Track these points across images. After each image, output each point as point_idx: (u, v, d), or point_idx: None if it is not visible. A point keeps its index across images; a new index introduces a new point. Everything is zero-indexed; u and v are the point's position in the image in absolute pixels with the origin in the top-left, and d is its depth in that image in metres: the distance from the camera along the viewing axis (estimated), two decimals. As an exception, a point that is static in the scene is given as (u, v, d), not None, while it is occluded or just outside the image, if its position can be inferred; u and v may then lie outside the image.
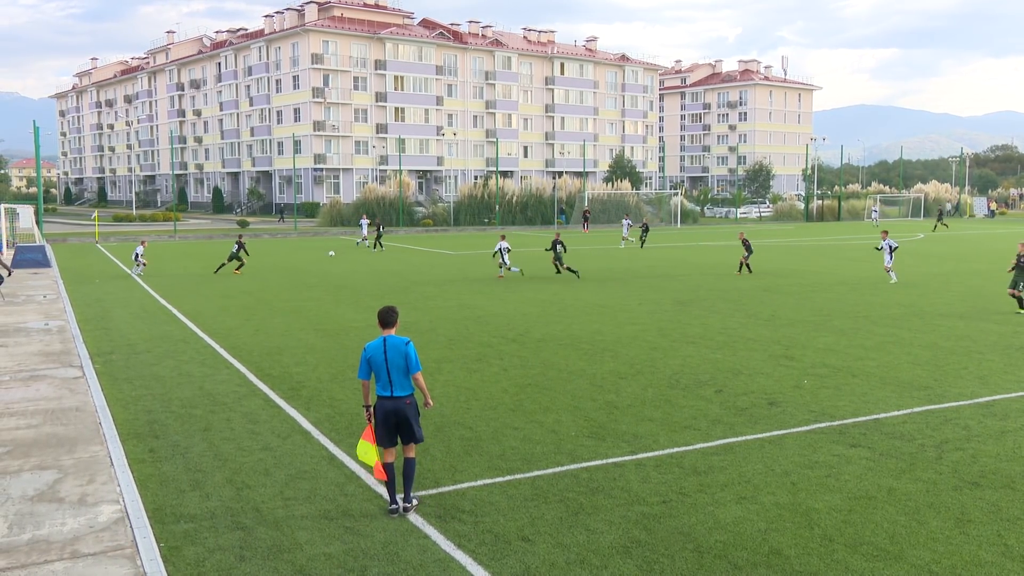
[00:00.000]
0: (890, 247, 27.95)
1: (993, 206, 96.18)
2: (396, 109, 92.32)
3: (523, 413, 11.81)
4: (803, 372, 14.31)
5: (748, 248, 30.88)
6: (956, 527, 7.86)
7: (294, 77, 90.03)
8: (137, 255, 31.31)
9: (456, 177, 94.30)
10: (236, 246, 32.06)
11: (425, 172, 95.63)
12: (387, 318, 8.30)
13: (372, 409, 8.30)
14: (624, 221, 48.90)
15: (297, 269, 33.49)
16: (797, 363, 15.05)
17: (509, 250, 29.86)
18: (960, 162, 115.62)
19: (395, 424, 8.16)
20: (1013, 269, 21.22)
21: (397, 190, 68.34)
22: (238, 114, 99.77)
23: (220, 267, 32.12)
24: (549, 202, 71.28)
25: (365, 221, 48.77)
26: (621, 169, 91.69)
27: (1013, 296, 20.98)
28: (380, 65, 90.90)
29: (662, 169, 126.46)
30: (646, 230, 46.30)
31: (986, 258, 38.51)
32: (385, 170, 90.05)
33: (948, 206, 71.34)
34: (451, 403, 12.29)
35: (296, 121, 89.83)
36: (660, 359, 15.44)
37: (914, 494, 8.67)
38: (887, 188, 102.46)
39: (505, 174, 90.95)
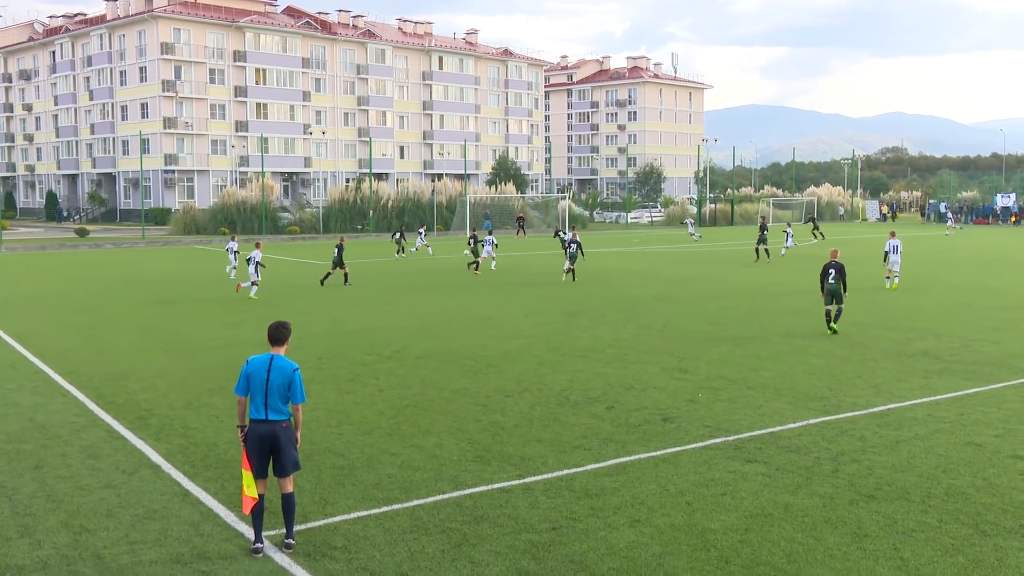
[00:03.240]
0: (492, 243, 36.10)
1: (885, 210, 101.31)
2: (258, 105, 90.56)
3: (401, 437, 11.71)
4: (697, 385, 14.70)
5: (474, 252, 33.36)
6: (853, 542, 8.20)
7: (141, 68, 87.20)
8: (255, 262, 27.53)
9: (326, 180, 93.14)
10: (336, 250, 30.73)
11: (291, 174, 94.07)
12: (277, 334, 8.23)
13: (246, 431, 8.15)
14: (419, 230, 45.92)
15: (147, 282, 32.36)
16: (691, 376, 15.45)
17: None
18: (852, 164, 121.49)
19: (269, 450, 8.02)
20: (825, 280, 19.68)
21: (259, 194, 66.94)
22: (76, 109, 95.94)
23: (326, 276, 30.68)
24: (428, 207, 71.15)
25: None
26: (505, 171, 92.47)
27: (829, 313, 19.75)
28: (239, 56, 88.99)
29: (549, 171, 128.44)
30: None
31: (877, 262, 40.51)
32: (246, 172, 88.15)
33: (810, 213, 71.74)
34: (321, 428, 12.07)
35: (144, 117, 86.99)
36: (548, 375, 15.59)
37: (811, 509, 9.01)
38: (780, 191, 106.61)
39: (380, 176, 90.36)
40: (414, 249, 47.73)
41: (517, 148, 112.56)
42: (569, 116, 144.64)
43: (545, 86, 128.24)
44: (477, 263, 35.50)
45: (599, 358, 17.12)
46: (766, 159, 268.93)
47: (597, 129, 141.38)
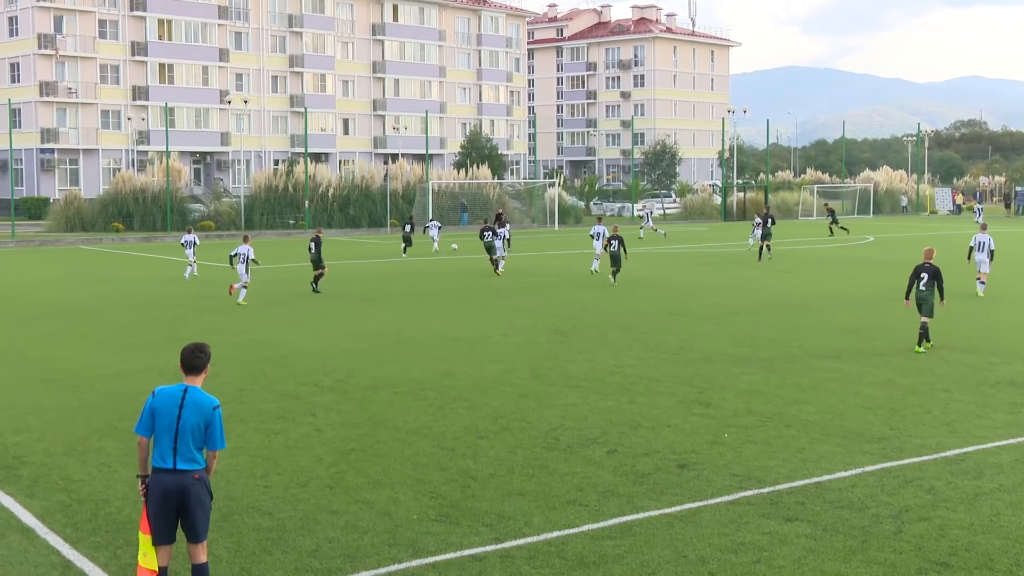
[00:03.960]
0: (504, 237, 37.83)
1: (959, 199, 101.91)
2: (161, 66, 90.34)
3: (345, 491, 11.69)
4: (722, 423, 14.73)
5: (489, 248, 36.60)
6: (921, 623, 8.21)
7: (11, 19, 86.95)
8: (247, 258, 28.80)
9: (248, 161, 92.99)
10: (313, 244, 31.61)
11: (204, 155, 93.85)
12: (193, 360, 8.19)
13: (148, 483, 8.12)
14: (429, 223, 51.15)
15: (15, 293, 32.23)
16: (715, 411, 15.48)
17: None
18: (917, 142, 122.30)
19: (176, 509, 7.98)
20: (914, 287, 20.22)
21: (163, 180, 66.74)
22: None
23: (316, 279, 31.44)
24: (379, 195, 71.11)
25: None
26: (478, 151, 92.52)
27: (925, 327, 20.19)
28: (138, 4, 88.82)
29: (533, 151, 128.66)
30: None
31: (951, 266, 40.74)
32: (146, 152, 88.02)
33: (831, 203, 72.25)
34: (243, 479, 12.02)
35: (14, 82, 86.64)
36: (533, 410, 15.59)
37: (867, 581, 9.02)
38: (826, 176, 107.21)
39: (317, 157, 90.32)
40: (435, 249, 48.91)
41: (493, 121, 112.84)
42: (559, 81, 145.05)
43: (528, 43, 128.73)
44: (496, 262, 36.80)
45: (598, 389, 17.14)
46: (809, 135, 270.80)
47: (594, 97, 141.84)
